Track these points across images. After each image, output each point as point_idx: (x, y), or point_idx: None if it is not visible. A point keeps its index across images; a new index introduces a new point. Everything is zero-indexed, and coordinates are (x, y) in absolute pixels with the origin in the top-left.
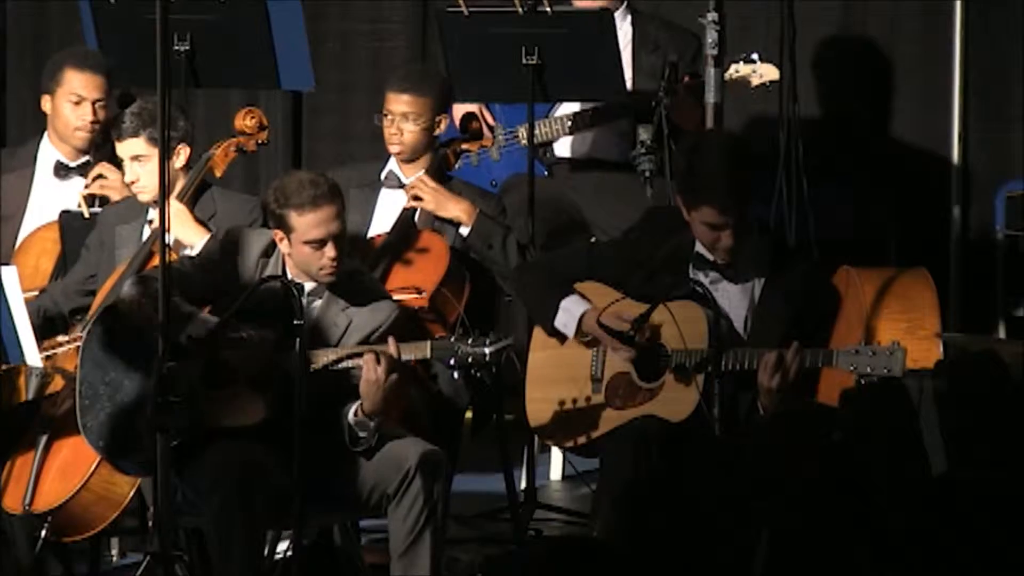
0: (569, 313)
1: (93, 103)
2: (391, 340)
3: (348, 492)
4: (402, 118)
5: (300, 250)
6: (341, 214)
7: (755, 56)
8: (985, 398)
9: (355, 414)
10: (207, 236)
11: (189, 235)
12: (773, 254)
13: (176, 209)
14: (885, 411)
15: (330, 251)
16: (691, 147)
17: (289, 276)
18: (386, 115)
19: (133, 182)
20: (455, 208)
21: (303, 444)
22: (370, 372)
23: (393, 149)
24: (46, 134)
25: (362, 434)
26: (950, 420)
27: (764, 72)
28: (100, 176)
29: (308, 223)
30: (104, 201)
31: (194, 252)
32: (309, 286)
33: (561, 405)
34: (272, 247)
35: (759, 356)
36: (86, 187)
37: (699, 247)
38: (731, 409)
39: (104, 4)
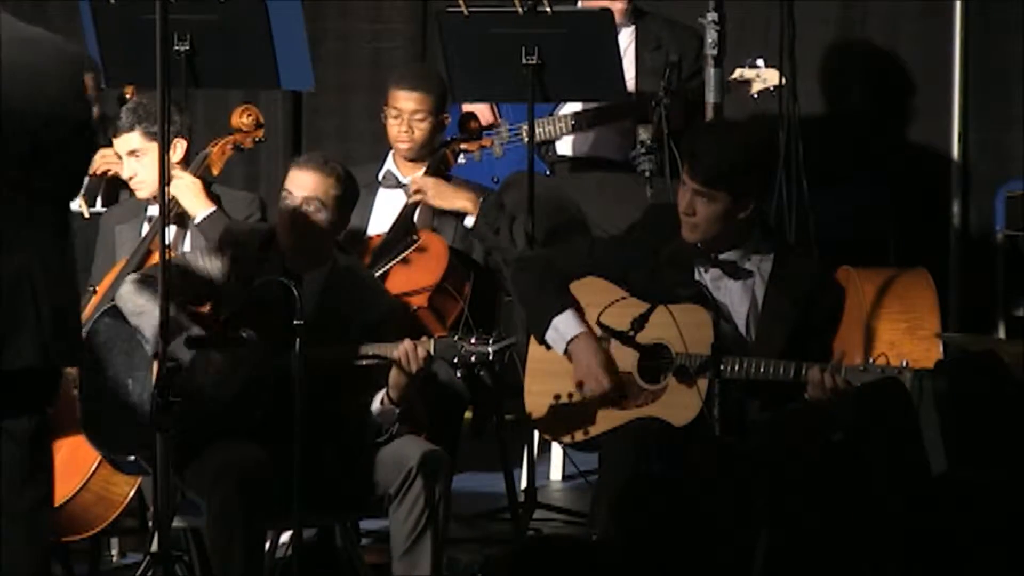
0: (559, 333)
1: None
2: (423, 339)
3: (349, 492)
4: (411, 116)
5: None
6: (329, 193)
7: (759, 61)
8: (985, 398)
9: (380, 403)
10: (211, 208)
11: (194, 205)
12: (776, 254)
13: (188, 180)
14: (885, 411)
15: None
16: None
17: (287, 267)
18: (394, 114)
19: (131, 177)
20: (459, 199)
21: (303, 444)
22: (408, 362)
23: (402, 147)
24: None
25: (385, 424)
26: (950, 420)
27: (767, 77)
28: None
29: (291, 178)
30: (108, 192)
31: (196, 221)
32: (307, 277)
33: (558, 399)
34: (269, 241)
35: (775, 367)
36: (91, 172)
37: (699, 244)
38: (739, 415)
39: (104, 4)
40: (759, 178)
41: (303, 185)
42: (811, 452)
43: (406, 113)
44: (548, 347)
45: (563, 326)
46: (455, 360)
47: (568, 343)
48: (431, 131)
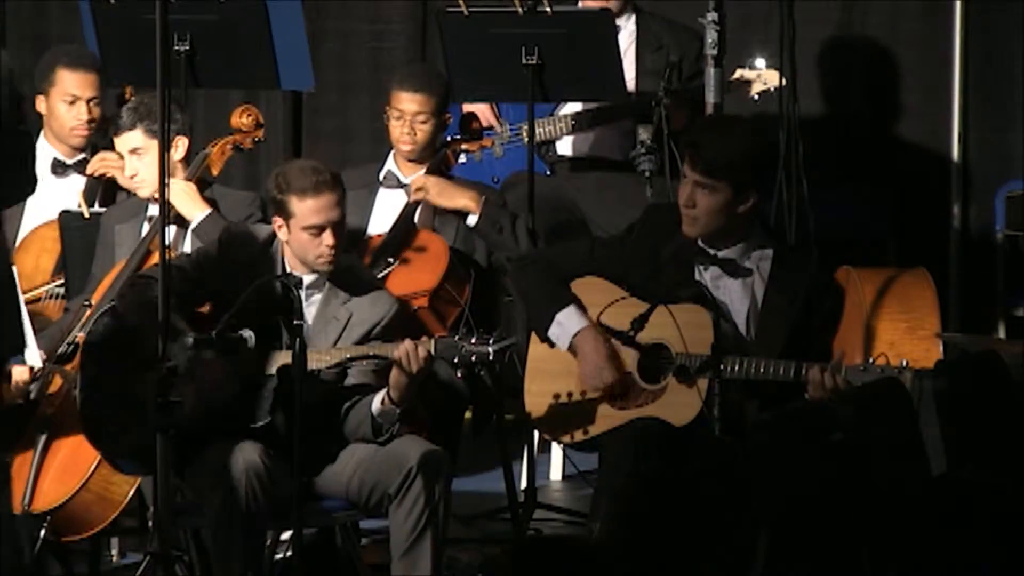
0: (563, 328)
1: (87, 101)
2: (424, 339)
3: (348, 492)
4: (414, 117)
5: (298, 236)
6: (341, 203)
7: (759, 61)
8: (985, 398)
9: (381, 403)
10: (207, 211)
11: (189, 209)
12: (776, 253)
13: (182, 186)
14: (885, 411)
15: (328, 239)
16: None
17: (288, 269)
18: (396, 115)
19: (132, 176)
20: (461, 198)
21: (303, 444)
22: (409, 362)
23: (404, 148)
24: (42, 133)
25: (386, 424)
26: (950, 420)
27: (768, 78)
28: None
29: (308, 209)
30: (106, 193)
31: (192, 226)
32: (308, 279)
33: (558, 399)
34: (269, 241)
35: (775, 366)
36: (89, 173)
37: (700, 242)
38: (739, 415)
39: (104, 4)
40: (760, 171)
41: (327, 208)
42: (811, 452)
43: (408, 114)
44: (552, 344)
45: (566, 321)
46: (455, 360)
47: (572, 338)
48: (433, 132)
